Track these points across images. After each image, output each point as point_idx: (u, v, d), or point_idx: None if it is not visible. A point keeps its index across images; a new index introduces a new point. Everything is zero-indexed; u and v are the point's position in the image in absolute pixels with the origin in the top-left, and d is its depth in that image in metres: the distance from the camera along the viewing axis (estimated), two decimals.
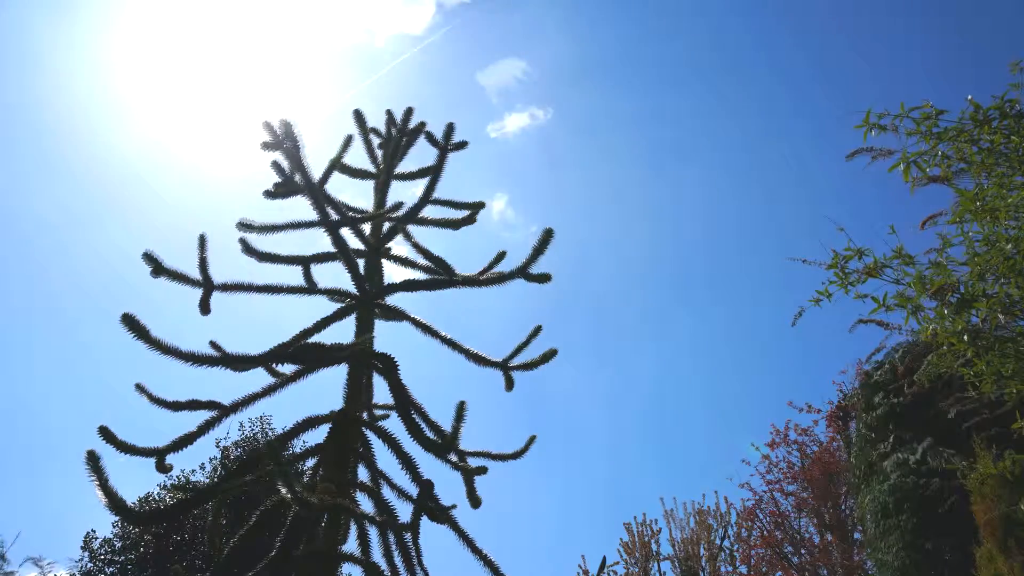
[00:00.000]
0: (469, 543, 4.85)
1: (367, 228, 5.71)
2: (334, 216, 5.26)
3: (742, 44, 34.30)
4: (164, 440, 4.63)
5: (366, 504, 4.92)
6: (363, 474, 5.09)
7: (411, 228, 5.84)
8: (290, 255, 5.67)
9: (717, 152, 36.09)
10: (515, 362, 5.46)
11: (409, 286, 5.51)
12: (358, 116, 6.23)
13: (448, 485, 5.06)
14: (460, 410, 4.38)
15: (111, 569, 13.40)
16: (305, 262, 5.68)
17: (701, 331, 36.72)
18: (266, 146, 5.31)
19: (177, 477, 14.18)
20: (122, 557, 13.44)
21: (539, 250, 5.28)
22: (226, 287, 5.18)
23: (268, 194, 5.67)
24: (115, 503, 3.90)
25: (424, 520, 4.68)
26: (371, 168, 6.21)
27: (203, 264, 5.06)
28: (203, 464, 14.64)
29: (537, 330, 5.48)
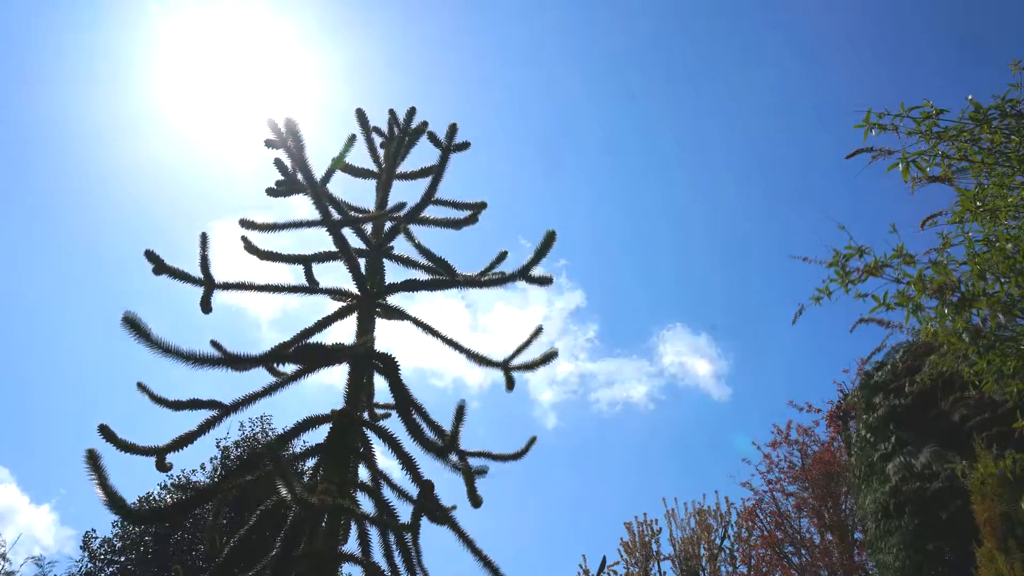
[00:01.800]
0: (469, 543, 4.83)
1: (369, 228, 5.71)
2: (336, 215, 5.25)
3: (744, 43, 34.30)
4: (164, 439, 4.63)
5: (366, 504, 4.91)
6: (363, 474, 5.08)
7: (413, 228, 5.84)
8: (292, 254, 5.68)
9: (718, 151, 36.08)
10: (515, 362, 5.45)
11: (410, 286, 5.51)
12: (360, 115, 6.23)
13: (448, 485, 5.06)
14: (460, 411, 4.37)
15: (111, 569, 13.41)
16: (307, 261, 5.68)
17: (701, 327, 36.68)
18: (269, 144, 5.32)
19: (177, 477, 14.20)
20: (122, 557, 13.44)
21: (541, 252, 5.26)
22: (227, 286, 5.17)
23: (270, 192, 5.67)
24: (115, 502, 3.89)
25: (424, 520, 4.67)
26: (373, 167, 6.21)
27: (204, 262, 5.05)
28: (203, 464, 14.65)
29: (538, 331, 5.47)
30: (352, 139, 6.15)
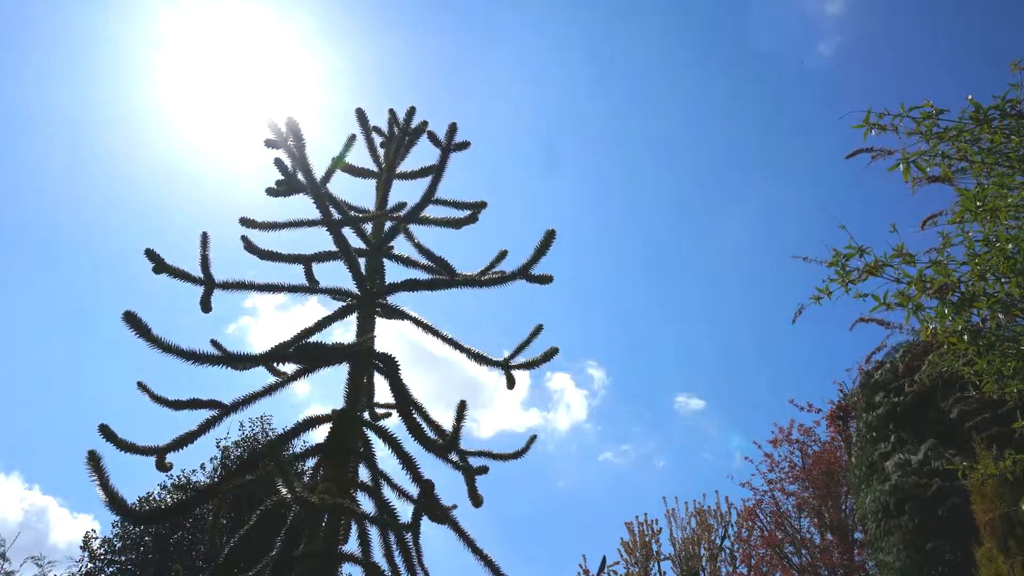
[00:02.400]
0: (470, 543, 4.84)
1: (369, 227, 5.71)
2: (336, 215, 5.26)
3: (745, 43, 34.31)
4: (165, 439, 4.63)
5: (366, 504, 4.92)
6: (363, 474, 5.08)
7: (413, 227, 5.84)
8: (292, 254, 5.68)
9: (718, 150, 36.10)
10: (516, 361, 5.46)
11: (410, 286, 5.51)
12: (360, 115, 6.23)
13: (449, 484, 5.06)
14: (461, 410, 4.37)
15: (111, 569, 13.41)
16: (307, 261, 5.68)
17: (702, 327, 36.72)
18: (269, 144, 5.32)
19: (177, 477, 14.20)
20: (122, 557, 13.44)
21: (541, 251, 5.27)
22: (227, 285, 5.17)
23: (270, 192, 5.67)
24: (116, 503, 3.89)
25: (425, 520, 4.68)
26: (373, 167, 6.21)
27: (204, 262, 5.05)
28: (203, 464, 14.66)
29: (538, 329, 5.48)
30: (352, 139, 6.15)
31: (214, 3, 32.61)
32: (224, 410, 4.73)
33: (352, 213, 5.52)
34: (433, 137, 5.91)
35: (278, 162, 5.46)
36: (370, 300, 5.39)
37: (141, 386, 4.77)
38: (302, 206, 5.53)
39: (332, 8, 34.97)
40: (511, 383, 5.49)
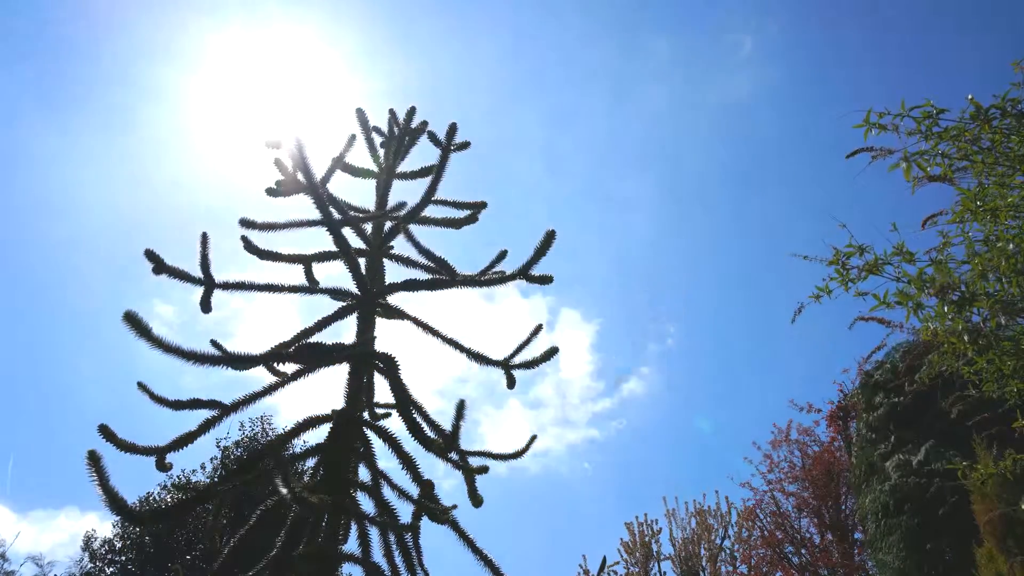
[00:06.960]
0: (470, 543, 4.83)
1: (369, 227, 5.71)
2: (336, 215, 5.25)
3: (745, 43, 34.33)
4: (165, 439, 4.63)
5: (366, 504, 4.91)
6: (363, 474, 5.08)
7: (413, 227, 5.84)
8: (291, 254, 5.67)
9: (717, 149, 36.13)
10: (516, 361, 5.45)
11: (410, 286, 5.51)
12: (360, 114, 6.22)
13: (449, 484, 5.05)
14: (460, 409, 4.36)
15: (111, 569, 13.42)
16: (306, 261, 5.68)
17: (702, 328, 36.76)
18: (269, 143, 5.31)
19: (177, 477, 14.22)
20: (122, 557, 13.45)
21: (541, 251, 5.26)
22: (227, 285, 5.17)
23: (270, 192, 5.66)
24: (115, 503, 3.89)
25: (425, 520, 4.67)
26: (373, 167, 6.21)
27: (204, 262, 5.05)
28: (203, 464, 14.68)
29: (538, 328, 5.47)
30: (352, 139, 6.15)
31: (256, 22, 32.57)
32: (224, 410, 4.73)
33: (352, 213, 5.52)
34: (433, 137, 5.91)
35: (278, 162, 5.45)
36: (370, 300, 5.39)
37: (141, 386, 4.76)
38: (303, 206, 5.52)
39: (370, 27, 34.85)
40: (511, 383, 5.48)
